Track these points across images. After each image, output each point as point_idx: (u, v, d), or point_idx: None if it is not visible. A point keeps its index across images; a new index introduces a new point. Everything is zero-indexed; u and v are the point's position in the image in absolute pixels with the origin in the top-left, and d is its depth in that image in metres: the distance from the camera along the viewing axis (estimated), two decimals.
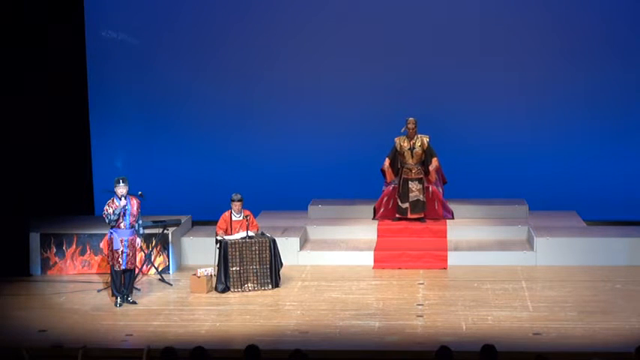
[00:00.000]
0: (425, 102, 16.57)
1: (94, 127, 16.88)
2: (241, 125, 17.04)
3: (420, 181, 15.18)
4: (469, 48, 16.71)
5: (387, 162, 15.19)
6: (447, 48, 16.73)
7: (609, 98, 16.64)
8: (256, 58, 16.93)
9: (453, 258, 14.29)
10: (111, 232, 12.46)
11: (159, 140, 17.12)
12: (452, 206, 15.72)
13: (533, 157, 16.80)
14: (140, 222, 12.69)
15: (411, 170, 15.18)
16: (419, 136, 15.17)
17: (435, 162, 15.14)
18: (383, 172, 15.63)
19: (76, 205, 16.31)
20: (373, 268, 14.23)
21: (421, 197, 15.16)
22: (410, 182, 15.16)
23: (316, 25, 16.87)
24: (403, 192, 15.20)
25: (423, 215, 15.20)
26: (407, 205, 15.15)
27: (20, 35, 14.53)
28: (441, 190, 15.61)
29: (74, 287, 13.39)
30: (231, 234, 13.31)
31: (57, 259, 14.17)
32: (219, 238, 13.30)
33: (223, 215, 13.43)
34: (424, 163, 15.21)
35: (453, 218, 15.60)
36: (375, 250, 14.53)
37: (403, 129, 15.20)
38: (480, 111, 16.77)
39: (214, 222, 13.65)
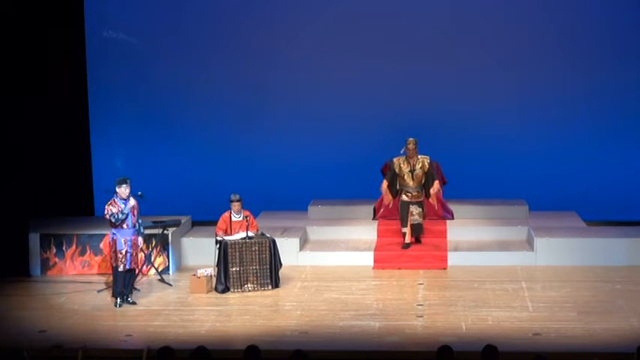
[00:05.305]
0: (425, 102, 16.59)
1: (94, 127, 16.88)
2: (241, 125, 17.03)
3: (419, 204, 14.44)
4: (469, 49, 16.71)
5: (384, 184, 14.52)
6: (447, 48, 16.73)
7: (609, 98, 16.64)
8: (256, 59, 16.93)
9: (453, 258, 14.28)
10: (113, 233, 12.43)
11: (159, 140, 17.12)
12: (452, 206, 15.71)
13: (533, 157, 16.80)
14: (140, 222, 12.69)
15: (411, 193, 14.39)
16: (419, 157, 14.36)
17: (436, 185, 14.44)
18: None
19: (76, 206, 16.30)
20: (373, 268, 14.22)
21: (421, 221, 14.50)
22: (410, 205, 14.39)
23: (317, 25, 16.87)
24: (403, 216, 14.49)
25: (420, 237, 14.59)
26: (406, 229, 14.42)
27: (20, 35, 14.52)
28: (441, 190, 15.58)
29: (74, 288, 13.38)
30: (230, 234, 13.30)
31: (57, 259, 14.16)
32: (219, 238, 13.29)
33: (223, 216, 13.42)
34: (424, 185, 14.47)
35: (452, 218, 15.59)
36: (375, 250, 14.52)
37: (403, 150, 14.41)
38: (480, 111, 16.76)
39: (214, 222, 13.64)
